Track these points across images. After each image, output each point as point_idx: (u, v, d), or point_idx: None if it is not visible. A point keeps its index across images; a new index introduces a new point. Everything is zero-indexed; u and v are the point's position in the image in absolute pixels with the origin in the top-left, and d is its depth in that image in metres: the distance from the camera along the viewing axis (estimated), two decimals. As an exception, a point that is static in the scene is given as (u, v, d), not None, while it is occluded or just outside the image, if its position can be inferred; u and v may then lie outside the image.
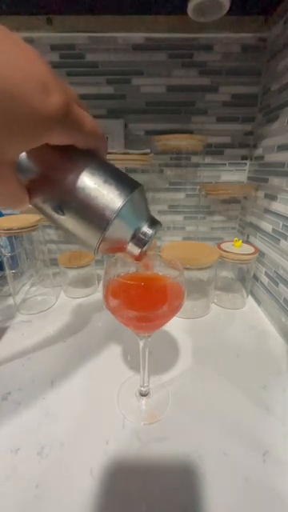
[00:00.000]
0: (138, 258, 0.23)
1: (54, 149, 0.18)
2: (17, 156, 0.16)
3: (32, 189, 0.19)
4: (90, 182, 0.18)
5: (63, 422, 0.33)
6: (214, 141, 0.62)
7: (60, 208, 0.19)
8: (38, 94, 0.13)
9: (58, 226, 0.21)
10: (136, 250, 0.22)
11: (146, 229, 0.21)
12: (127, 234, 0.21)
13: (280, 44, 0.49)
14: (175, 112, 0.60)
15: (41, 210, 0.21)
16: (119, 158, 0.51)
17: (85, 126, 0.17)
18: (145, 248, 0.22)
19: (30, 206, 0.20)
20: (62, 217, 0.20)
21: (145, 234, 0.21)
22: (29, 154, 0.19)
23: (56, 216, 0.20)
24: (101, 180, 0.19)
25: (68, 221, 0.20)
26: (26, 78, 0.13)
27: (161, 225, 0.23)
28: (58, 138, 0.16)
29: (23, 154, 0.19)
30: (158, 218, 0.23)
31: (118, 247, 0.22)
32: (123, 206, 0.19)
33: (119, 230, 0.20)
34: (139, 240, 0.21)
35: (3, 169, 0.15)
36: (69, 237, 0.21)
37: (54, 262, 0.64)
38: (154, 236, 0.22)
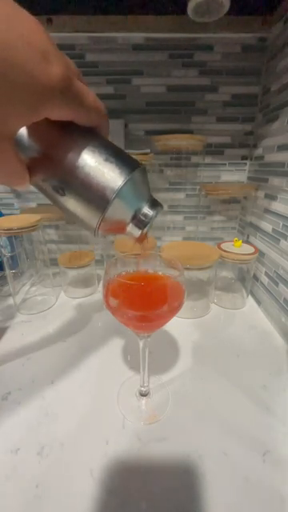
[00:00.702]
0: (139, 240, 0.22)
1: (55, 125, 0.17)
2: (16, 129, 0.15)
3: (32, 167, 0.18)
4: (90, 160, 0.18)
5: (63, 422, 0.33)
6: (214, 141, 0.62)
7: (60, 187, 0.19)
8: (39, 62, 0.13)
9: (59, 207, 0.21)
10: (136, 232, 0.21)
11: (146, 210, 0.21)
12: (127, 214, 0.21)
13: (280, 44, 0.49)
14: (175, 112, 0.60)
15: (41, 190, 0.20)
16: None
17: (86, 101, 0.17)
18: (145, 229, 0.21)
19: (31, 185, 0.20)
20: (63, 197, 0.19)
21: (145, 215, 0.21)
22: (29, 130, 0.18)
23: (57, 196, 0.20)
24: (101, 158, 0.18)
25: (68, 201, 0.19)
26: (27, 45, 0.13)
27: (162, 207, 0.22)
28: (59, 112, 0.16)
29: (23, 131, 0.18)
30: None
31: (118, 228, 0.21)
32: (124, 184, 0.18)
33: (119, 211, 0.20)
34: (140, 221, 0.21)
35: (3, 143, 0.15)
36: (70, 217, 0.21)
37: (54, 262, 0.64)
38: (155, 218, 0.22)
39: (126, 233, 0.22)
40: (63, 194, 0.19)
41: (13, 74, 0.12)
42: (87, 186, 0.18)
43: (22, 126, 0.16)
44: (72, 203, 0.19)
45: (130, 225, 0.21)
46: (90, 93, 0.17)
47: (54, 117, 0.16)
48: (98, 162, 0.18)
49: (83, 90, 0.16)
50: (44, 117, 0.15)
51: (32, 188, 0.21)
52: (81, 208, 0.19)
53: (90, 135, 0.19)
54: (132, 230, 0.21)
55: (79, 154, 0.18)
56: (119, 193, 0.18)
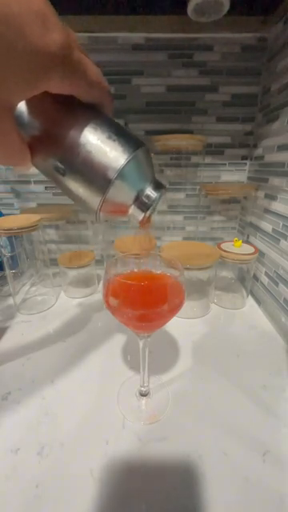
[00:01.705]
0: (141, 224, 0.21)
1: (56, 101, 0.17)
2: (16, 100, 0.15)
3: (33, 146, 0.18)
4: (92, 138, 0.17)
5: (63, 422, 0.33)
6: (214, 141, 0.62)
7: (61, 167, 0.18)
8: (37, 27, 0.12)
9: (60, 188, 0.20)
10: (139, 214, 0.21)
11: (149, 191, 0.20)
12: (130, 195, 0.20)
13: (280, 44, 0.49)
14: (175, 112, 0.60)
15: (43, 172, 0.20)
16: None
17: (88, 74, 0.16)
18: (148, 212, 0.21)
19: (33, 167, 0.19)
20: (64, 176, 0.19)
21: (148, 196, 0.20)
22: (29, 106, 0.17)
23: (58, 176, 0.19)
24: (104, 136, 0.18)
25: (70, 181, 0.19)
26: (25, 8, 0.12)
27: (166, 189, 0.21)
28: (60, 84, 0.15)
29: (23, 108, 0.18)
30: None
31: (120, 210, 0.21)
32: (126, 164, 0.18)
33: (121, 191, 0.19)
34: (142, 203, 0.20)
35: (2, 114, 0.14)
36: (72, 199, 0.21)
37: (54, 262, 0.64)
38: (159, 200, 0.21)
39: (128, 215, 0.21)
40: (64, 174, 0.19)
41: (10, 37, 0.12)
42: (88, 164, 0.18)
43: (22, 98, 0.15)
44: (73, 183, 0.19)
45: (133, 207, 0.20)
46: (92, 66, 0.16)
47: (55, 89, 0.15)
48: (99, 139, 0.17)
49: (85, 61, 0.16)
50: (44, 89, 0.15)
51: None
52: (82, 188, 0.19)
53: (93, 112, 0.18)
54: (134, 212, 0.21)
55: (80, 131, 0.17)
56: (121, 172, 0.18)
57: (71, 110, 0.17)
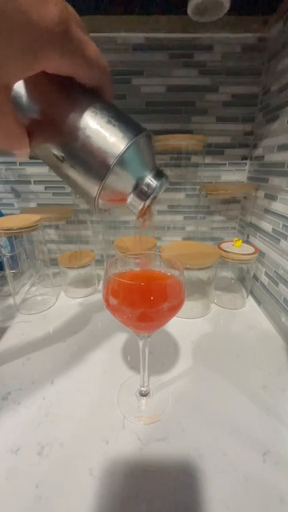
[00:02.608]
0: (141, 214, 0.21)
1: (54, 82, 0.16)
2: (12, 81, 0.14)
3: (32, 130, 0.17)
4: (91, 122, 0.17)
5: (63, 422, 0.33)
6: (214, 141, 0.62)
7: (60, 152, 0.18)
8: (34, 0, 0.12)
9: (59, 175, 0.20)
10: (138, 204, 0.20)
11: (150, 180, 0.19)
12: (129, 183, 0.19)
13: (280, 44, 0.49)
14: (175, 112, 0.60)
15: (41, 157, 0.20)
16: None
17: (87, 53, 0.15)
18: (148, 202, 0.20)
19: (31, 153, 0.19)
20: (63, 163, 0.18)
21: (148, 185, 0.19)
22: (27, 87, 0.17)
23: (57, 162, 0.18)
24: (103, 120, 0.17)
25: (68, 167, 0.18)
26: None
27: (167, 178, 0.20)
28: (57, 63, 0.14)
29: (21, 89, 0.17)
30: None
31: (119, 199, 0.20)
32: (126, 149, 0.17)
33: (121, 179, 0.18)
34: (142, 192, 0.19)
35: None
36: (70, 186, 0.20)
37: (54, 262, 0.64)
38: (160, 190, 0.20)
39: (128, 204, 0.20)
40: (63, 160, 0.18)
41: (5, 8, 0.11)
42: (87, 150, 0.17)
43: (19, 77, 0.14)
44: (71, 170, 0.18)
45: (132, 195, 0.20)
46: (92, 45, 0.16)
47: (52, 69, 0.15)
48: (99, 124, 0.17)
49: (84, 40, 0.15)
50: (41, 68, 0.14)
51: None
52: (80, 175, 0.18)
53: (92, 96, 0.18)
54: (133, 201, 0.20)
55: (79, 115, 0.17)
56: (121, 159, 0.17)
57: (70, 92, 0.17)
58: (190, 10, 0.44)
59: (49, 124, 0.17)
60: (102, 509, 0.25)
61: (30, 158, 0.19)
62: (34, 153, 0.19)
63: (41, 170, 0.64)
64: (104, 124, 0.17)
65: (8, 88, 0.14)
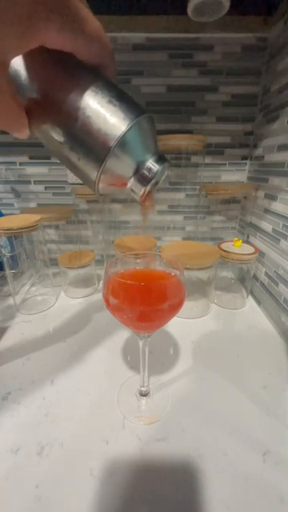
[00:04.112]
0: (141, 200, 0.20)
1: (53, 59, 0.16)
2: (9, 56, 0.13)
3: (30, 110, 0.16)
4: (91, 102, 0.16)
5: (63, 422, 0.33)
6: (214, 141, 0.62)
7: (59, 134, 0.17)
8: None
9: (59, 158, 0.19)
10: (138, 189, 0.19)
11: (151, 164, 0.19)
12: (130, 167, 0.18)
13: (280, 44, 0.49)
14: (175, 112, 0.60)
15: (41, 138, 0.19)
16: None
17: (88, 28, 0.15)
18: (148, 187, 0.19)
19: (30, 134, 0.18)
20: (62, 145, 0.18)
21: (149, 169, 0.19)
22: (25, 64, 0.16)
23: (56, 144, 0.18)
24: (104, 100, 0.16)
25: (67, 149, 0.18)
26: None
27: (169, 163, 0.20)
28: (56, 37, 0.14)
29: (20, 67, 0.16)
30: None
31: (120, 183, 0.19)
32: (127, 130, 0.16)
33: (121, 162, 0.18)
34: (143, 176, 0.19)
35: None
36: (70, 169, 0.20)
37: (54, 262, 0.64)
38: (161, 175, 0.19)
39: (128, 189, 0.20)
40: (62, 142, 0.18)
41: None
42: (87, 131, 0.17)
43: (16, 53, 0.14)
44: (71, 151, 0.18)
45: (132, 180, 0.19)
46: (93, 19, 0.15)
47: (51, 43, 0.14)
48: (100, 104, 0.16)
49: (84, 13, 0.14)
50: (40, 42, 0.13)
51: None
52: (80, 157, 0.18)
53: (93, 75, 0.17)
54: (134, 186, 0.19)
55: (80, 94, 0.16)
56: (121, 140, 0.17)
57: (70, 70, 0.16)
58: (189, 10, 0.44)
59: (48, 103, 0.17)
60: (102, 509, 0.25)
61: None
62: (33, 134, 0.19)
63: (41, 170, 0.64)
64: (105, 104, 0.16)
65: (4, 65, 0.13)
